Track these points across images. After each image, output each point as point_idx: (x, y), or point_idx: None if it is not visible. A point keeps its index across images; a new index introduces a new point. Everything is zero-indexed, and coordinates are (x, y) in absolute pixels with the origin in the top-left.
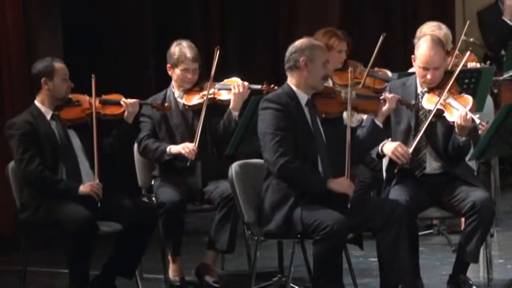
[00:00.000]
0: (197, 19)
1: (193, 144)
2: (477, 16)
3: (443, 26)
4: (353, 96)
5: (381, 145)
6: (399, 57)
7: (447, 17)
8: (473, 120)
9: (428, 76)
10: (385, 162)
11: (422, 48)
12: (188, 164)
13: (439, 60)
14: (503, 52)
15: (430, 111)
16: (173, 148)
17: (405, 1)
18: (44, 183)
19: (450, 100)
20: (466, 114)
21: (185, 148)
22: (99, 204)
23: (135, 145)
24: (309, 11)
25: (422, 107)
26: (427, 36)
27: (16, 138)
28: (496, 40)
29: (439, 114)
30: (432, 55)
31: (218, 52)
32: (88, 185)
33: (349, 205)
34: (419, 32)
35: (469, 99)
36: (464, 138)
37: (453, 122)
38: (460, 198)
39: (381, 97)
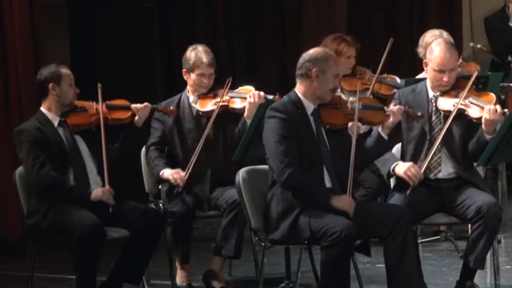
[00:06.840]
0: (203, 26)
1: (184, 173)
2: (484, 22)
3: (445, 34)
4: (359, 107)
5: (393, 165)
6: (406, 64)
7: (454, 23)
8: (503, 113)
9: (445, 79)
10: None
11: (437, 51)
12: (179, 190)
13: (454, 62)
14: (510, 58)
15: (450, 112)
16: (166, 173)
17: (412, 7)
18: (56, 189)
19: (472, 99)
20: (495, 108)
21: (174, 175)
22: (110, 210)
23: (143, 151)
24: (316, 13)
25: (437, 111)
26: (439, 39)
27: (26, 145)
28: (503, 46)
29: (461, 113)
30: (448, 57)
31: (229, 83)
32: (99, 191)
33: None
34: (421, 41)
35: (491, 95)
36: (490, 136)
37: (478, 119)
38: (467, 204)
39: (386, 110)
